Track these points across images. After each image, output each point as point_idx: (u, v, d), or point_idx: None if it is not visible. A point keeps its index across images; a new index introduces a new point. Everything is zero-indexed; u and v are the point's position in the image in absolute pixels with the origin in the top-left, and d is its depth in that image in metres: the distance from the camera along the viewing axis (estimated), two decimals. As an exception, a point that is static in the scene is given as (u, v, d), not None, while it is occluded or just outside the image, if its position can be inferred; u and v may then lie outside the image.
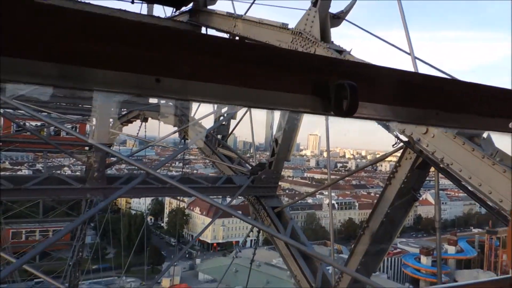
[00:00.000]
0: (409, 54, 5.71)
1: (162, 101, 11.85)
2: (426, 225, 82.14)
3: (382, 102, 0.84)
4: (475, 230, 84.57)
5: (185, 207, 79.50)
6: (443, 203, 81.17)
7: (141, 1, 11.43)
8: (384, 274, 65.47)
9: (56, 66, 0.57)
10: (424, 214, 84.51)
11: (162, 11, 12.01)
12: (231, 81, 0.70)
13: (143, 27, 0.63)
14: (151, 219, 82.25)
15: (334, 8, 6.87)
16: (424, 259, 67.10)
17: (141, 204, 68.77)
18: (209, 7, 10.06)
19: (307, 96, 0.78)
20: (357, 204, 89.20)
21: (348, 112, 0.74)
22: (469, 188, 4.99)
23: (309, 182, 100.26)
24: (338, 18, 7.02)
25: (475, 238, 76.94)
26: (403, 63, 5.69)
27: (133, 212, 75.94)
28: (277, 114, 8.58)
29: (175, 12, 11.25)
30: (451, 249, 70.31)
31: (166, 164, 14.63)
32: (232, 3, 9.06)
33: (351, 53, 6.40)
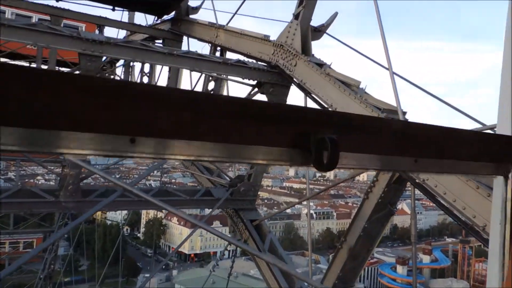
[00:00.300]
0: (387, 69, 5.82)
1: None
2: (402, 235, 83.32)
3: (362, 151, 0.84)
4: (449, 240, 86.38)
5: (163, 217, 78.26)
6: (418, 212, 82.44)
7: (122, 9, 11.33)
8: (361, 284, 65.85)
9: (26, 131, 0.53)
10: (400, 224, 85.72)
11: (143, 19, 11.96)
12: (210, 137, 0.68)
13: (117, 86, 0.60)
14: (127, 229, 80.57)
15: (316, 22, 6.97)
16: (400, 269, 68.03)
17: (117, 214, 67.37)
18: (191, 16, 10.04)
19: (287, 149, 0.76)
20: (335, 214, 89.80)
21: (329, 166, 0.74)
22: (444, 203, 5.09)
23: (288, 192, 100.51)
24: (319, 32, 7.11)
25: (449, 248, 78.57)
26: (383, 76, 5.79)
27: (109, 222, 74.26)
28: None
29: (156, 20, 11.19)
30: (426, 259, 71.55)
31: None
32: (215, 13, 9.06)
33: (332, 66, 6.49)
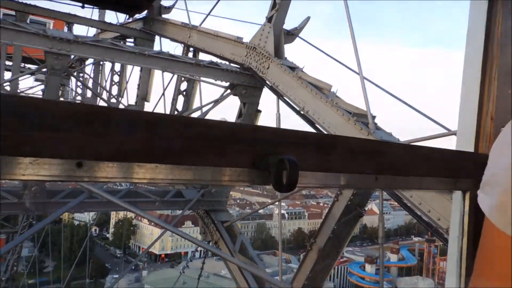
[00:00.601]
0: (358, 73, 5.92)
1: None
2: (371, 234, 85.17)
3: (321, 170, 0.84)
4: (416, 239, 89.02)
5: (133, 217, 76.91)
6: (387, 213, 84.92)
7: (92, 6, 11.03)
8: (331, 283, 66.93)
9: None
10: (369, 224, 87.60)
11: (114, 17, 11.70)
12: (166, 159, 0.65)
13: (61, 106, 0.57)
14: (95, 229, 78.72)
15: (288, 25, 7.03)
16: (368, 267, 69.56)
17: (85, 214, 65.69)
18: (164, 16, 9.92)
19: (246, 169, 0.75)
20: (306, 214, 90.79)
21: (288, 187, 0.73)
22: (410, 205, 5.22)
23: (261, 192, 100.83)
24: (292, 35, 7.18)
25: (415, 247, 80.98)
26: (354, 81, 5.88)
27: (76, 222, 72.34)
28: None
29: (128, 19, 10.99)
30: (394, 257, 73.48)
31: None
32: (187, 14, 8.98)
33: (304, 70, 6.55)
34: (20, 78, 9.76)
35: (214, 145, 0.72)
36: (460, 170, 1.09)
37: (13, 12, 9.04)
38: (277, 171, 0.73)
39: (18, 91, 10.19)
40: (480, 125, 1.23)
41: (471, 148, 1.23)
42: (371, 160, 0.93)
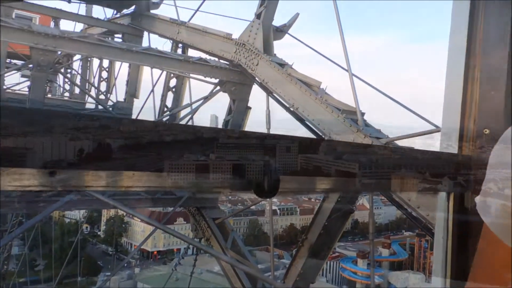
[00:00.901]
0: (347, 70, 5.94)
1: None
2: (362, 229, 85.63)
3: (303, 174, 0.83)
4: (407, 233, 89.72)
5: (124, 214, 76.44)
6: (378, 207, 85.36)
7: (79, 1, 10.90)
8: (323, 278, 67.34)
9: None
10: (360, 219, 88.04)
11: (102, 13, 11.52)
12: (143, 167, 0.64)
13: (33, 114, 0.55)
14: (86, 227, 78.15)
15: (278, 21, 7.03)
16: (360, 262, 70.01)
17: (76, 211, 65.11)
18: (152, 11, 9.83)
19: (227, 176, 0.74)
20: (298, 209, 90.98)
21: (269, 193, 0.72)
22: (400, 202, 5.26)
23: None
24: (281, 32, 7.18)
25: (407, 241, 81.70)
26: (343, 77, 5.89)
27: (67, 220, 71.72)
28: (221, 119, 8.54)
29: (115, 14, 10.88)
30: (385, 252, 74.08)
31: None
32: (176, 9, 8.93)
33: (293, 66, 6.56)
34: (5, 75, 9.61)
35: (193, 151, 0.71)
36: (444, 171, 1.10)
37: None
38: (257, 177, 0.72)
39: (4, 87, 10.04)
40: (463, 127, 1.24)
41: (454, 150, 1.24)
42: (356, 163, 0.93)
